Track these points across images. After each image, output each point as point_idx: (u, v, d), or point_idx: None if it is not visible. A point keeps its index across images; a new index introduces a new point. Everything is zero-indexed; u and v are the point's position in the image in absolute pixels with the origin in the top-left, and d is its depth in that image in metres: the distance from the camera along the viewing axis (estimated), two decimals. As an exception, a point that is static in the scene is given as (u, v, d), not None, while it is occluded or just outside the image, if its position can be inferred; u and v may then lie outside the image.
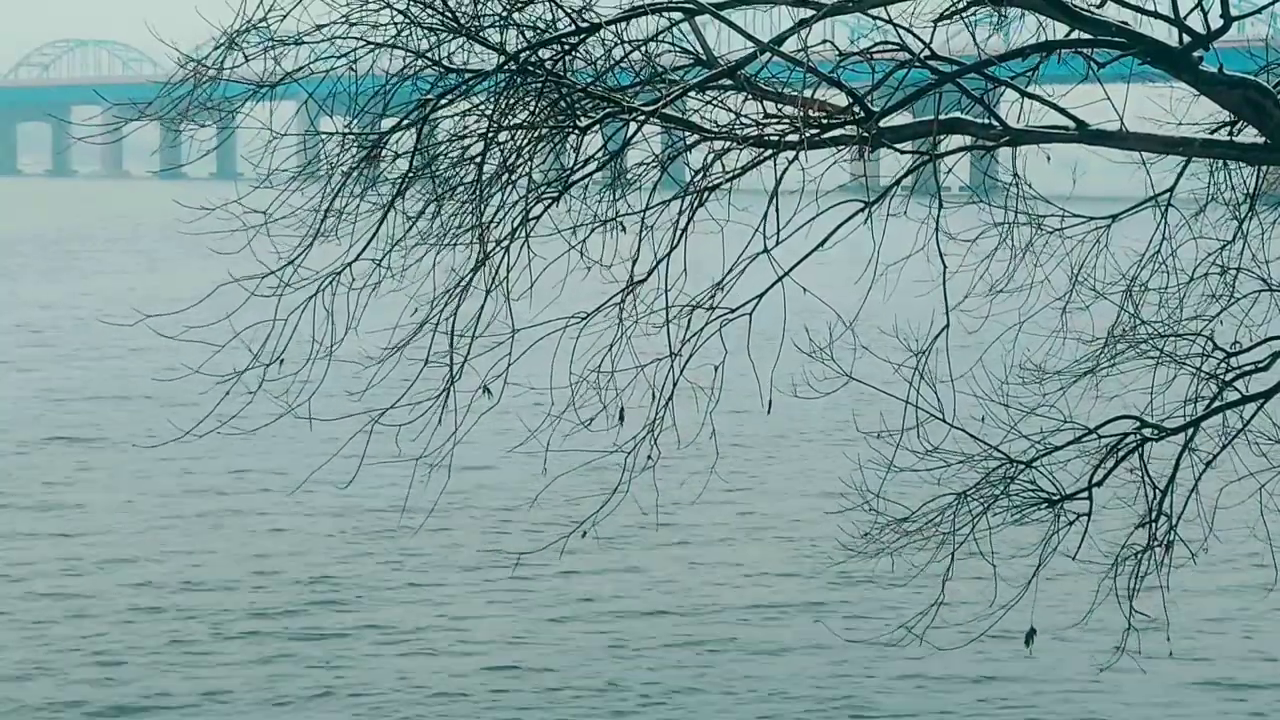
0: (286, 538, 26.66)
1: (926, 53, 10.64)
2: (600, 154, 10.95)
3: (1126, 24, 11.02)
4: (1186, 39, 11.03)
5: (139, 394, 39.89)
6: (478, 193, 10.70)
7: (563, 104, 10.48)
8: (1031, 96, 11.24)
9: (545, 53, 10.53)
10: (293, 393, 10.98)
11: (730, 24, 10.87)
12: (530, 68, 10.45)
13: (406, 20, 10.58)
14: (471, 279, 10.86)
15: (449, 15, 10.51)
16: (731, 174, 10.76)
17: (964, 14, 11.06)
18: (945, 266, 11.17)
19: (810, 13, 10.62)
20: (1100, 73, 11.29)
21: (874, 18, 10.88)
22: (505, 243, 10.85)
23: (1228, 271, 13.41)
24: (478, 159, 10.66)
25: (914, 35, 10.71)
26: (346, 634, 21.63)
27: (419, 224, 10.92)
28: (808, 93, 10.47)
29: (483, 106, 10.69)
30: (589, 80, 10.55)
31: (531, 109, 10.57)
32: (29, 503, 29.30)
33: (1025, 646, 12.98)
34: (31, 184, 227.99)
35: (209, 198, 11.04)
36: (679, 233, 10.81)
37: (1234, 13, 11.18)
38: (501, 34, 10.63)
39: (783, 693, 19.56)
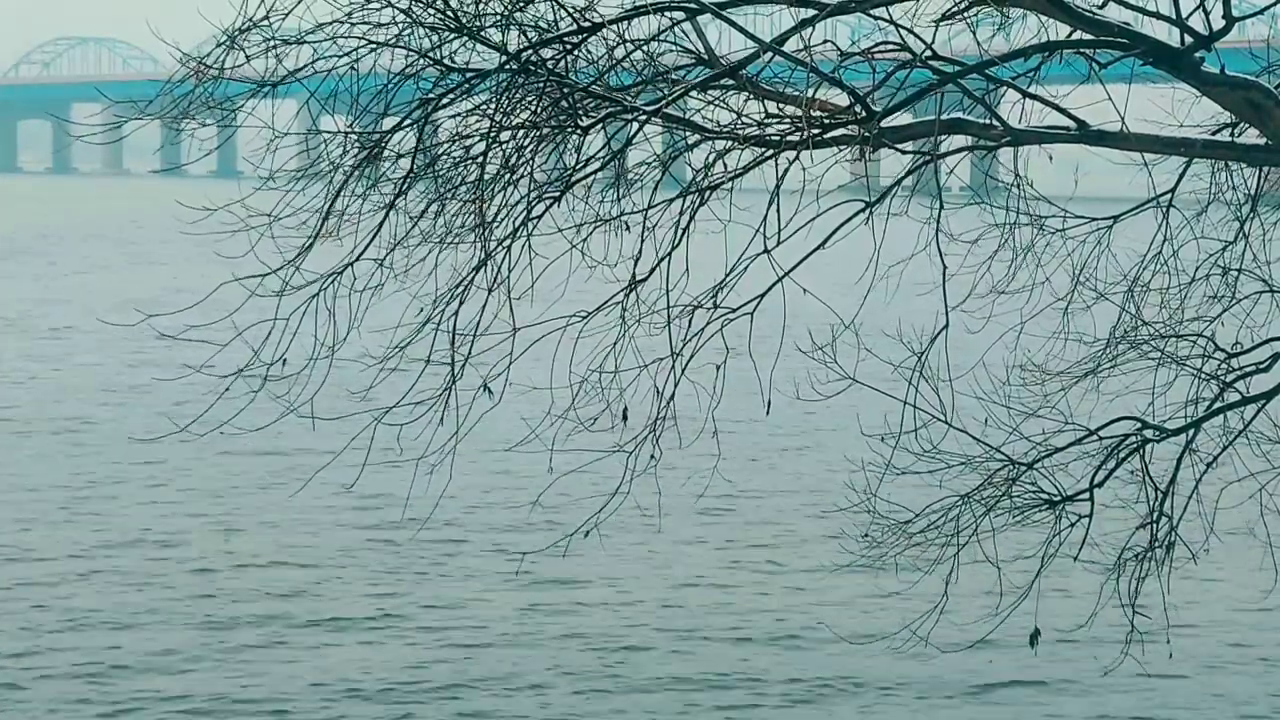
0: (287, 538, 26.65)
1: (928, 53, 10.63)
2: (602, 153, 10.95)
3: (1128, 24, 11.01)
4: (1188, 40, 11.03)
5: (138, 392, 39.86)
6: (479, 192, 10.70)
7: (564, 103, 10.48)
8: (1033, 97, 11.23)
9: (547, 52, 10.53)
10: (294, 392, 10.97)
11: (732, 23, 10.85)
12: (532, 67, 10.45)
13: (408, 19, 10.57)
14: (473, 278, 10.86)
15: (450, 14, 10.50)
16: (733, 174, 10.77)
17: (966, 14, 11.04)
18: (945, 267, 11.17)
19: (812, 12, 10.61)
20: (1102, 73, 11.27)
21: (875, 18, 10.87)
22: (507, 242, 10.86)
23: (1229, 272, 13.43)
24: (479, 158, 10.66)
25: (915, 35, 10.70)
26: (346, 634, 21.63)
27: (421, 223, 10.92)
28: (809, 93, 10.46)
29: (484, 106, 10.69)
30: (591, 80, 10.55)
31: (533, 108, 10.57)
32: (25, 500, 29.30)
33: (1030, 647, 12.99)
34: (32, 181, 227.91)
35: (210, 196, 11.03)
36: (680, 232, 10.82)
37: (1236, 14, 11.17)
38: (503, 33, 10.62)
39: (785, 693, 19.56)
